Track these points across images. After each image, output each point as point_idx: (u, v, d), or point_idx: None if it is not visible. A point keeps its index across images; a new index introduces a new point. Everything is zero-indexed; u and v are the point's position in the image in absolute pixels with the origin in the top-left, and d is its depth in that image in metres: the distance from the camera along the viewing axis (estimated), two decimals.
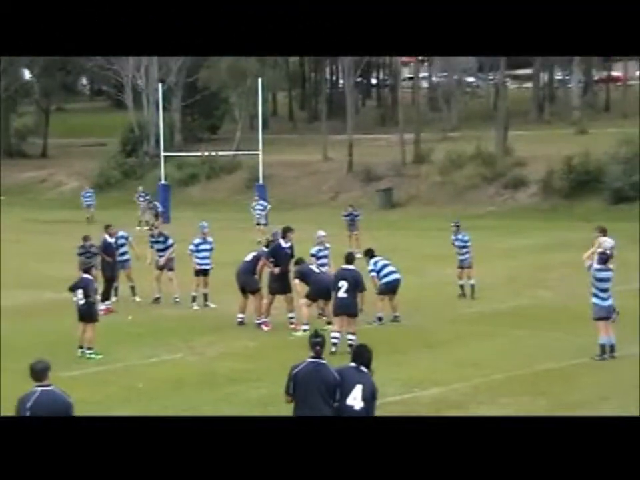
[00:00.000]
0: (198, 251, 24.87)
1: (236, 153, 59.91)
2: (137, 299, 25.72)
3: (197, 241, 25.06)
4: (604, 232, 22.21)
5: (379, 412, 11.23)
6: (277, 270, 21.95)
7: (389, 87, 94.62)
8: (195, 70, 68.69)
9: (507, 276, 29.09)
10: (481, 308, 24.25)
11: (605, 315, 18.89)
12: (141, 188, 51.07)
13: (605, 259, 19.18)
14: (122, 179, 62.69)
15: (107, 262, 24.51)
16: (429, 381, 17.40)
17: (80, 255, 25.04)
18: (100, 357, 19.56)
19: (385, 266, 22.72)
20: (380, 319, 22.39)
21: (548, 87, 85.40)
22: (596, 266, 19.00)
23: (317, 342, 11.03)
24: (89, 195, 51.86)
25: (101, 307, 23.06)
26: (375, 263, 22.68)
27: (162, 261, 25.47)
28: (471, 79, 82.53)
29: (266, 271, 22.49)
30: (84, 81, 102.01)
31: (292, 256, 22.35)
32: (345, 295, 19.45)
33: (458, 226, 26.44)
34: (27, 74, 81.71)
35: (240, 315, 22.59)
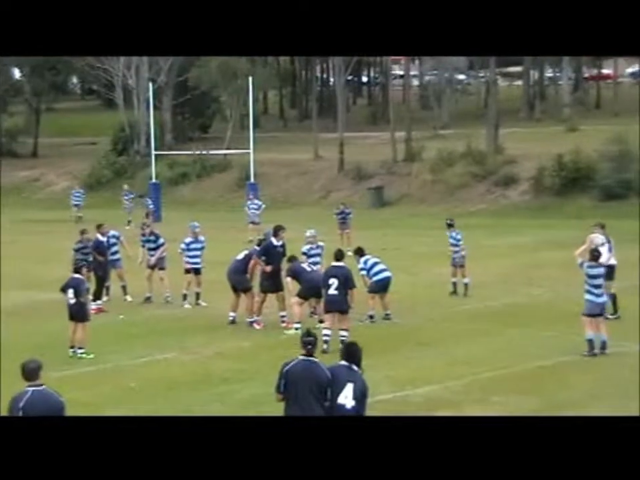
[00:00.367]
0: (189, 250, 24.89)
1: (227, 152, 59.90)
2: (129, 298, 25.70)
3: (187, 240, 25.07)
4: (603, 228, 22.34)
5: (370, 410, 11.24)
6: (268, 268, 21.96)
7: (379, 85, 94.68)
8: (185, 69, 68.61)
9: (499, 274, 29.11)
10: (473, 306, 24.27)
11: (599, 312, 18.97)
12: (126, 186, 51.07)
13: (596, 255, 19.28)
14: (113, 178, 62.57)
15: (98, 261, 24.51)
16: (420, 379, 17.41)
17: (77, 250, 25.04)
18: (91, 356, 19.54)
19: (375, 264, 22.76)
20: (371, 317, 22.41)
21: (538, 84, 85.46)
22: (587, 263, 19.10)
23: (308, 341, 11.04)
24: (77, 194, 51.87)
25: (92, 306, 23.07)
26: (365, 262, 22.71)
27: (153, 260, 25.49)
28: (461, 77, 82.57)
29: (258, 270, 22.51)
30: (74, 80, 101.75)
31: (284, 254, 22.37)
32: (335, 292, 19.49)
33: (449, 224, 26.45)
34: (17, 73, 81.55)
35: (231, 314, 22.61)
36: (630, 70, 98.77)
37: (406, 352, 19.65)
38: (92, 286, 22.76)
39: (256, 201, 42.57)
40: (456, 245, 25.89)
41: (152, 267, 25.56)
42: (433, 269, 29.47)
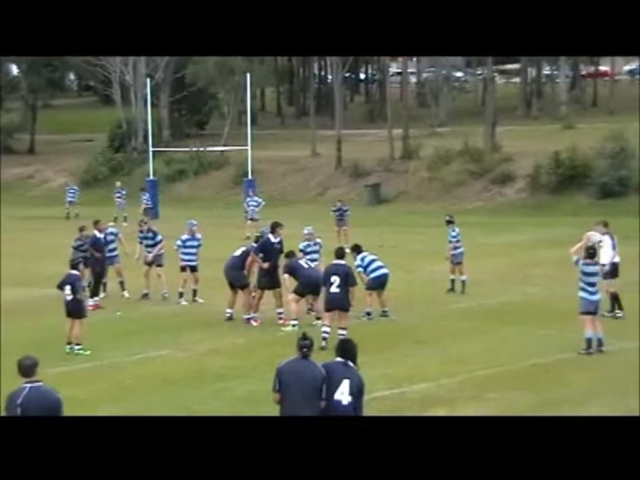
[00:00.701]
0: (185, 247, 24.92)
1: (224, 148, 59.90)
2: (126, 294, 25.72)
3: (184, 237, 25.09)
4: (606, 226, 22.36)
5: (367, 407, 11.27)
6: (266, 265, 21.99)
7: (377, 82, 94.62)
8: (182, 66, 68.61)
9: (495, 272, 29.14)
10: (469, 304, 24.29)
11: (593, 310, 18.99)
12: (118, 184, 51.08)
13: (592, 253, 19.29)
14: (110, 174, 62.57)
15: (95, 258, 24.53)
16: (417, 376, 17.43)
17: (76, 248, 25.07)
18: (88, 353, 19.55)
19: (372, 261, 22.79)
20: (369, 314, 22.44)
21: (536, 82, 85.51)
22: (583, 260, 19.11)
23: (304, 344, 11.01)
24: (72, 191, 51.96)
25: (90, 302, 23.11)
26: (362, 259, 22.74)
27: (150, 256, 25.51)
28: (459, 74, 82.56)
29: (255, 267, 22.52)
30: (71, 76, 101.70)
31: (281, 251, 22.39)
32: (337, 290, 19.46)
33: (448, 221, 26.39)
34: (14, 70, 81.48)
35: (228, 310, 22.63)
36: (627, 67, 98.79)
37: (403, 349, 19.67)
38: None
39: (255, 198, 42.59)
40: (451, 242, 25.89)
41: (149, 264, 25.59)
42: (430, 266, 29.48)
